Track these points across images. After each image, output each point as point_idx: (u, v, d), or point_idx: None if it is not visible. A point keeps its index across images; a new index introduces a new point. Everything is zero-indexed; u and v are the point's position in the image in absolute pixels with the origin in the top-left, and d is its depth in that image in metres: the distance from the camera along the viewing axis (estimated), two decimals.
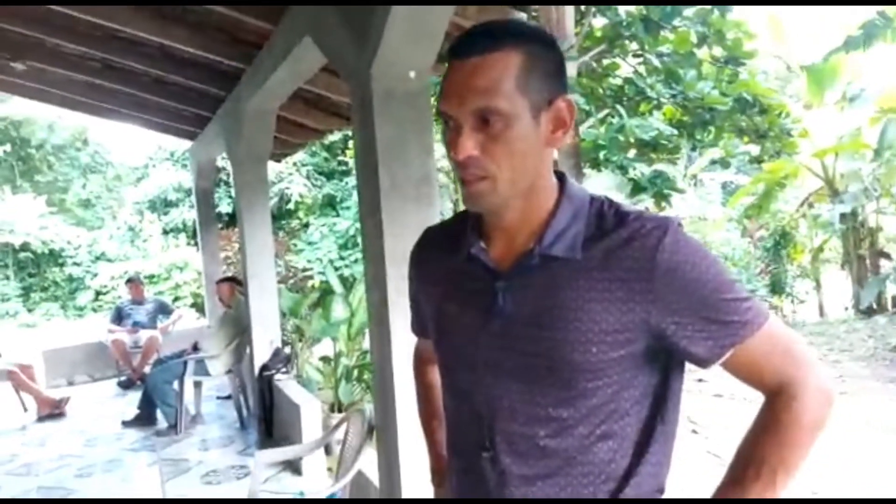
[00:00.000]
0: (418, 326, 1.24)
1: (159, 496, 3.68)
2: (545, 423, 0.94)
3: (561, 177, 1.01)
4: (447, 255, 1.06)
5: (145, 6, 3.52)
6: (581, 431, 0.94)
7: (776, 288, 9.49)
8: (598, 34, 7.20)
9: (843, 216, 9.19)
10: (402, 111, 2.09)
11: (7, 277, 15.26)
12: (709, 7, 6.90)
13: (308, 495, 2.38)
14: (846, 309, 9.73)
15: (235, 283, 5.31)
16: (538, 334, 0.92)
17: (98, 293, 14.88)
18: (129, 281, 7.32)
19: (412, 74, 2.07)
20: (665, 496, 1.02)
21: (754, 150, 8.60)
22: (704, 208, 14.50)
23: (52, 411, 5.57)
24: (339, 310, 4.94)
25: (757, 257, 9.91)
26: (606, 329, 0.90)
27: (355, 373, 4.85)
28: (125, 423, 5.10)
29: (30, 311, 15.08)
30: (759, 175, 10.19)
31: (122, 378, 6.58)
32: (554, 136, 0.92)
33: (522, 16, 2.93)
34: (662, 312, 0.90)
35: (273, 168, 13.27)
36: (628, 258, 0.89)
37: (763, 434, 0.95)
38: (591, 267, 0.91)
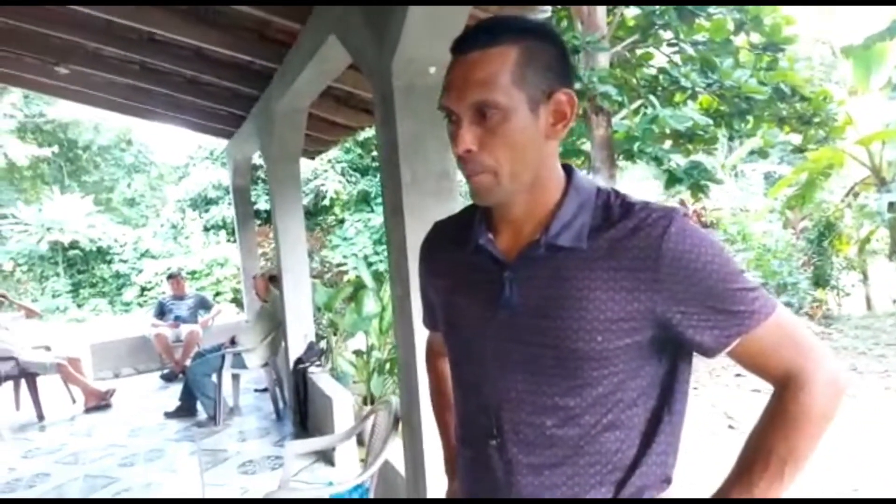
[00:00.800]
0: (429, 320, 1.26)
1: (198, 485, 3.80)
2: (552, 412, 0.96)
3: (568, 169, 1.02)
4: (456, 247, 1.08)
5: (178, 9, 3.62)
6: (587, 421, 0.95)
7: (820, 280, 9.19)
8: (631, 24, 7.08)
9: (891, 205, 8.86)
10: (422, 106, 2.11)
11: (57, 274, 15.85)
12: None
13: (336, 485, 2.44)
14: (894, 302, 9.39)
15: (269, 279, 5.42)
16: (544, 324, 0.94)
17: (143, 289, 15.32)
18: (170, 277, 7.53)
19: (432, 70, 2.09)
20: (674, 487, 1.02)
21: (797, 139, 8.34)
22: (746, 199, 14.16)
23: (99, 403, 5.78)
24: (370, 304, 5.00)
25: (800, 249, 9.60)
26: (612, 318, 0.91)
27: (387, 366, 4.91)
28: (167, 415, 5.27)
29: (79, 306, 15.62)
30: (801, 164, 9.88)
31: (165, 371, 6.78)
32: (554, 129, 0.94)
33: (547, 9, 2.91)
34: (668, 302, 0.90)
35: (309, 165, 13.46)
36: (634, 248, 0.90)
37: (771, 425, 0.94)
38: (597, 257, 0.92)
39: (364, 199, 14.73)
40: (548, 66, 0.91)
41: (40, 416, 5.54)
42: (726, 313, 0.91)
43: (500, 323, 0.98)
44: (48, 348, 6.13)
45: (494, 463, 1.00)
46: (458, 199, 2.17)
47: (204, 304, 7.34)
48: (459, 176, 2.40)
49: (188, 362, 6.21)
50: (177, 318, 6.95)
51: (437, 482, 2.19)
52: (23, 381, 5.69)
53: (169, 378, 6.65)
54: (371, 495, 2.37)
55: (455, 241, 1.08)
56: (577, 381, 0.94)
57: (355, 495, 2.32)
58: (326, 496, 2.35)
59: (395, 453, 2.55)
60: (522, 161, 0.92)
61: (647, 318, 0.91)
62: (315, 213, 14.54)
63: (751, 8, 6.71)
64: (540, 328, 0.94)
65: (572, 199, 0.97)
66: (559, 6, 6.51)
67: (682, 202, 9.53)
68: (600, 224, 0.94)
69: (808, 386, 0.92)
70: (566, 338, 0.92)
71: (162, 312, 7.08)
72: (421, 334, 2.17)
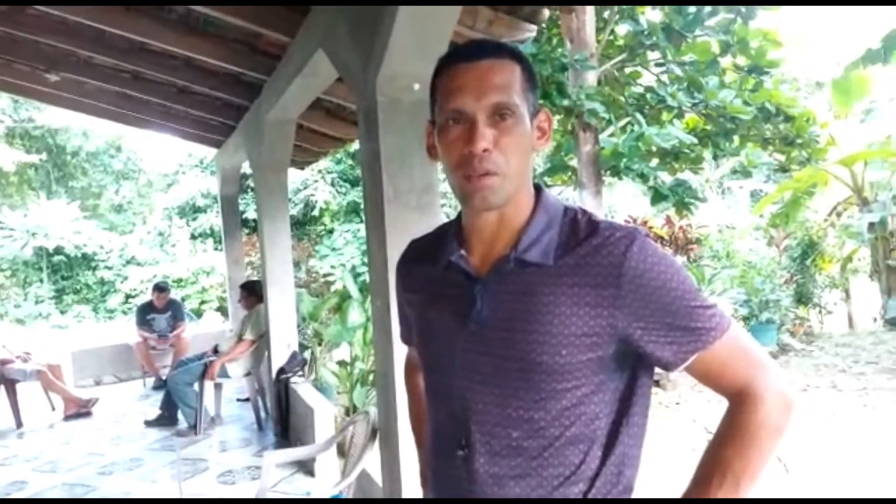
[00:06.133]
0: (406, 335, 1.28)
1: (176, 495, 3.77)
2: (517, 424, 0.98)
3: (538, 188, 1.06)
4: (430, 264, 1.11)
5: (170, 19, 3.65)
6: (552, 433, 0.98)
7: (802, 298, 9.30)
8: (620, 43, 7.18)
9: (871, 225, 9.00)
10: (405, 122, 2.15)
11: (41, 280, 15.71)
12: (731, 16, 6.84)
13: (313, 495, 2.44)
14: (874, 320, 9.51)
15: (247, 290, 5.35)
16: (511, 337, 0.97)
17: (128, 296, 15.22)
18: (159, 289, 7.04)
19: (416, 87, 2.13)
20: (636, 495, 1.05)
21: (782, 158, 8.47)
22: (732, 216, 14.30)
23: (79, 410, 5.72)
24: (355, 315, 5.01)
25: (783, 266, 9.71)
26: (575, 332, 0.94)
27: (370, 377, 4.91)
28: (147, 423, 5.23)
29: (62, 312, 15.47)
30: (785, 183, 10.03)
31: (155, 383, 6.66)
32: (538, 143, 1.01)
33: (533, 28, 2.95)
34: (629, 318, 0.94)
35: (299, 175, 13.46)
36: (597, 265, 0.94)
37: (727, 440, 0.98)
38: (563, 273, 0.95)
39: (353, 210, 14.75)
40: (534, 86, 1.00)
41: (19, 424, 5.48)
42: (684, 330, 0.95)
43: (468, 335, 1.01)
44: (28, 354, 6.05)
45: (461, 473, 1.03)
46: (441, 214, 2.20)
47: (177, 314, 7.03)
48: (442, 188, 2.43)
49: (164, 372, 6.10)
50: (158, 333, 6.84)
51: (412, 493, 2.20)
52: (1, 388, 5.63)
53: (160, 387, 6.54)
54: None
55: (429, 258, 1.11)
56: (541, 393, 0.97)
57: None
58: None
59: (372, 464, 2.56)
60: (520, 167, 0.97)
61: (610, 333, 0.95)
62: (304, 223, 14.54)
63: (737, 30, 6.83)
64: (506, 341, 0.97)
65: (541, 217, 1.01)
66: (548, 26, 6.59)
67: (668, 219, 9.62)
68: (567, 241, 0.98)
69: (761, 401, 0.96)
70: (531, 351, 0.95)
71: (144, 322, 6.92)
72: (399, 347, 2.20)
